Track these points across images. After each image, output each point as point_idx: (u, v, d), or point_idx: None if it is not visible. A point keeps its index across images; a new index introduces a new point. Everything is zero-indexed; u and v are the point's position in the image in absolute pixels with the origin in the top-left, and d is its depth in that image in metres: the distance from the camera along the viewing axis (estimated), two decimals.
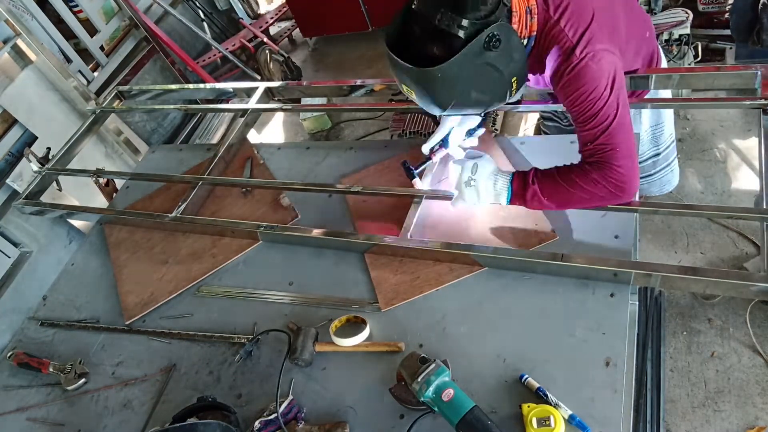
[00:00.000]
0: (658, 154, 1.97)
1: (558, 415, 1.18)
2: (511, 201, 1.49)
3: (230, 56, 4.85)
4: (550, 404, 1.22)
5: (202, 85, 2.67)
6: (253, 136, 3.92)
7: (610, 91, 1.30)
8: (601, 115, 1.31)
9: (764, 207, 1.40)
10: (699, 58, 2.99)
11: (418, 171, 1.75)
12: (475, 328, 1.44)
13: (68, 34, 3.90)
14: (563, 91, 1.36)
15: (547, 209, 1.51)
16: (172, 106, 2.59)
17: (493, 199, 1.50)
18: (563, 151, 1.75)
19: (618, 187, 1.35)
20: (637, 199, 1.45)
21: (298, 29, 5.51)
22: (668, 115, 1.92)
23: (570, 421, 1.19)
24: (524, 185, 1.45)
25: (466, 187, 1.51)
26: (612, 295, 1.37)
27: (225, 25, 5.42)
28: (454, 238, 1.62)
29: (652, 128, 1.90)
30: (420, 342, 1.46)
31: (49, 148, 2.47)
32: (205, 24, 5.17)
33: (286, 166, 2.18)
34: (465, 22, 1.20)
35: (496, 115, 3.44)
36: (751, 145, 3.01)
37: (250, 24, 5.36)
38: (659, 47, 1.76)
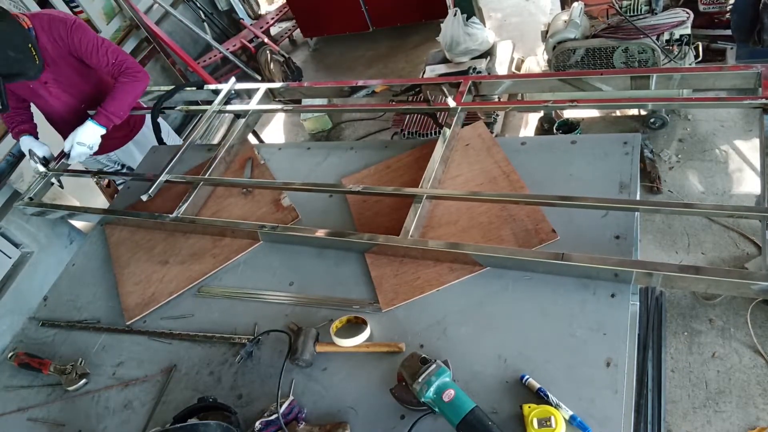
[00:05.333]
0: None
1: (559, 416, 1.18)
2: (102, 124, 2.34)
3: (231, 57, 4.85)
4: (551, 405, 1.22)
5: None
6: (254, 137, 3.92)
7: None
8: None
9: (765, 206, 1.40)
10: (700, 59, 2.98)
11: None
12: (476, 328, 1.44)
13: None
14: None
15: (121, 118, 2.38)
16: (174, 108, 2.60)
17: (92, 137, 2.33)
18: (563, 150, 1.76)
19: (140, 72, 2.40)
20: None
21: (298, 30, 5.51)
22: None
23: (571, 421, 1.19)
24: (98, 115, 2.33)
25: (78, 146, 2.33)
26: (613, 296, 1.37)
27: (226, 25, 5.43)
28: (454, 239, 1.62)
29: None
30: (421, 342, 1.46)
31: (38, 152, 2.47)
32: (205, 24, 5.18)
33: (287, 166, 2.18)
34: None
35: (497, 115, 3.44)
36: (752, 145, 3.00)
37: (251, 24, 5.36)
38: None
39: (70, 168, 2.48)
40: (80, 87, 2.49)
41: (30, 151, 2.47)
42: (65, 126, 2.56)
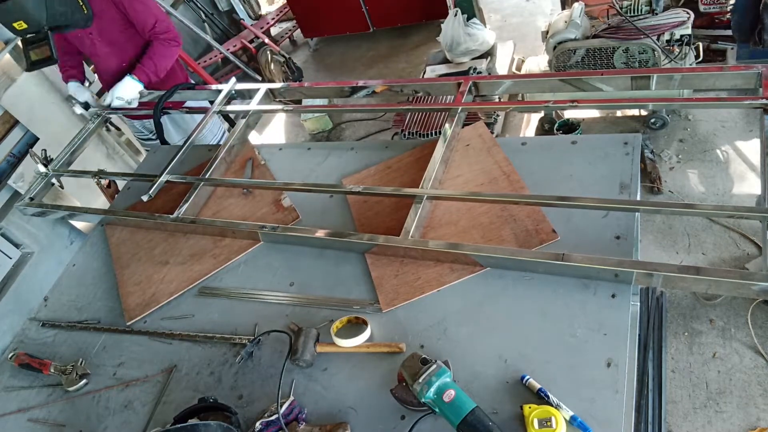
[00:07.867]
0: None
1: (559, 416, 1.18)
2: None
3: (231, 57, 4.86)
4: (552, 405, 1.21)
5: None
6: (254, 137, 3.92)
7: None
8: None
9: (765, 206, 1.40)
10: (700, 59, 2.99)
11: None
12: (476, 328, 1.44)
13: None
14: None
15: (158, 76, 2.52)
16: (176, 108, 2.60)
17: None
18: (564, 151, 1.76)
19: (173, 40, 2.52)
20: None
21: (299, 30, 5.52)
22: None
23: (571, 422, 1.19)
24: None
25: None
26: (613, 296, 1.37)
27: (226, 26, 5.43)
28: (455, 239, 1.62)
29: None
30: (421, 343, 1.46)
31: (44, 150, 2.48)
32: (206, 25, 5.19)
33: (287, 166, 2.18)
34: None
35: (498, 115, 3.44)
36: (752, 145, 3.00)
37: (252, 25, 5.37)
38: None
39: (70, 168, 2.48)
40: (123, 46, 2.56)
41: (70, 96, 2.61)
42: (109, 79, 2.66)
